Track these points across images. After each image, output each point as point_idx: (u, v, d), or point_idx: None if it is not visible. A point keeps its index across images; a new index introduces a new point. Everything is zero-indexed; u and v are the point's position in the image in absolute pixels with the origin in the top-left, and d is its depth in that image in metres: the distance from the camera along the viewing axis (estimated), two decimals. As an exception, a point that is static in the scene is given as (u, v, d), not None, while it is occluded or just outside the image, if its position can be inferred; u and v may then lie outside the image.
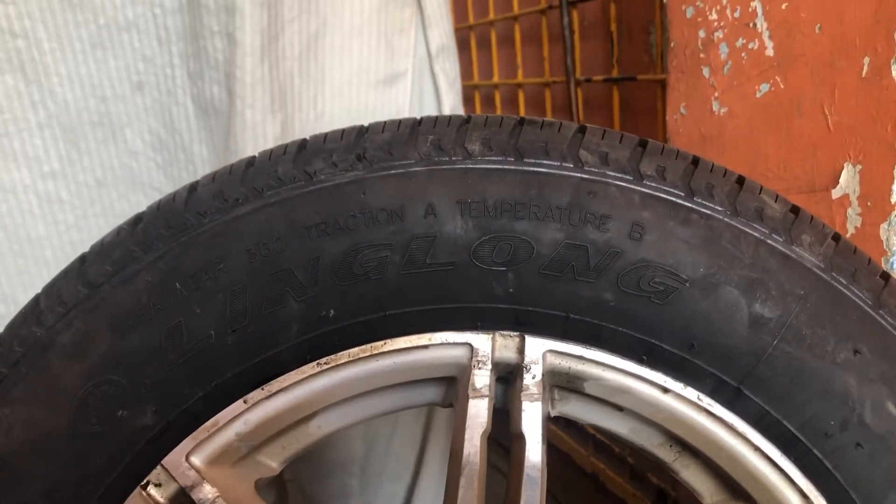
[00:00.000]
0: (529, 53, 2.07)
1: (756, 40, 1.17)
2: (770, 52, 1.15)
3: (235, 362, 0.68)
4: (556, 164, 0.68)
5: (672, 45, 1.36)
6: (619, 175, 0.68)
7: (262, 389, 0.68)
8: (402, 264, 0.67)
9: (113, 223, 1.18)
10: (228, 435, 0.68)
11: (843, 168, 0.98)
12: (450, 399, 0.73)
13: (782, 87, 1.09)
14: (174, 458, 0.68)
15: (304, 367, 0.68)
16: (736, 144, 1.16)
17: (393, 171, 0.69)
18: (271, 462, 0.74)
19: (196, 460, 0.68)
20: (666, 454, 0.74)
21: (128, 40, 1.13)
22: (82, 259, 0.72)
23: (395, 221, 0.67)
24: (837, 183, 0.99)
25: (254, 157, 0.73)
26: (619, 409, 0.73)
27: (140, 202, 1.23)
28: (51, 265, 1.19)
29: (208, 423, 0.68)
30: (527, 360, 0.68)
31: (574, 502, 2.07)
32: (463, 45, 2.21)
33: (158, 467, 0.68)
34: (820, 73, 1.05)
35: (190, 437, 0.68)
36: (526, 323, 0.68)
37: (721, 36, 1.24)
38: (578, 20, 1.81)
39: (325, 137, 0.72)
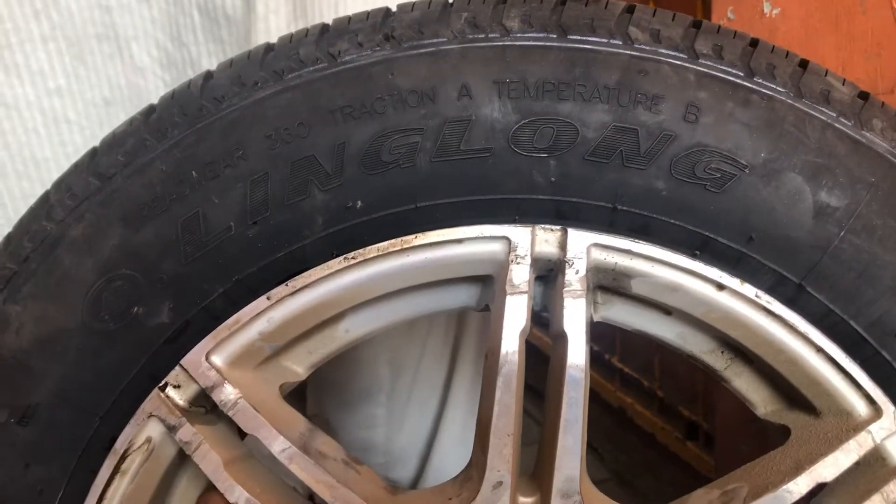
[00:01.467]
0: None
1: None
2: None
3: (257, 257, 0.63)
4: (603, 40, 0.62)
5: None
6: (673, 53, 0.62)
7: (286, 285, 0.63)
8: (434, 151, 0.62)
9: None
10: (251, 334, 0.64)
11: (908, 67, 0.91)
12: (485, 300, 0.68)
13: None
14: (193, 357, 0.64)
15: (331, 262, 0.63)
16: (790, 48, 1.08)
17: (423, 50, 0.63)
18: (297, 367, 0.70)
19: (217, 360, 0.64)
20: (717, 361, 0.69)
21: None
22: (93, 152, 0.67)
23: (426, 104, 0.62)
24: (902, 83, 0.92)
25: (271, 42, 0.67)
26: (668, 312, 0.68)
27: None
28: None
29: (229, 321, 0.64)
30: (569, 254, 0.62)
31: (599, 438, 2.04)
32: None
33: (177, 367, 0.64)
34: (885, -35, 0.97)
35: (210, 335, 0.64)
36: (569, 215, 0.63)
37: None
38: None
39: (349, 19, 0.67)
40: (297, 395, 1.38)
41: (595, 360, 2.12)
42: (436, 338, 1.26)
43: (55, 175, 1.11)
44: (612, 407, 2.06)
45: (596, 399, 2.11)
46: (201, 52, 1.08)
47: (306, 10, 1.11)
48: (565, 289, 0.62)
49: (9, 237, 0.67)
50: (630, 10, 0.64)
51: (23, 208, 1.11)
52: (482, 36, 0.63)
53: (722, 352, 0.69)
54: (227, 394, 0.63)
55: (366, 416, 1.30)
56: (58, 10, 1.05)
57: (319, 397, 1.34)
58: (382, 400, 1.28)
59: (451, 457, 1.35)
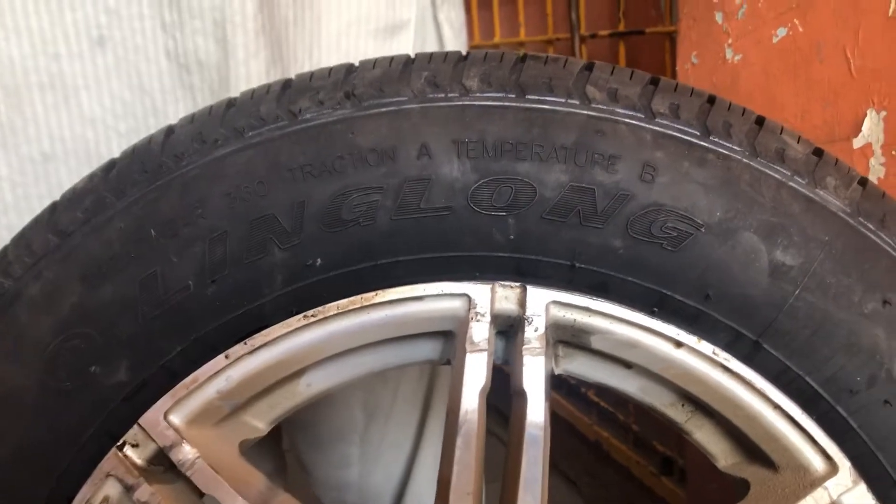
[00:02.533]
0: (532, 11, 2.01)
1: (773, -19, 1.11)
2: None
3: (216, 315, 0.63)
4: (561, 100, 0.63)
5: (683, -9, 1.30)
6: (630, 112, 0.63)
7: (245, 344, 0.63)
8: (394, 209, 0.62)
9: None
10: (209, 392, 0.64)
11: (865, 115, 0.92)
12: (447, 355, 0.68)
13: (801, 30, 1.03)
14: (152, 416, 0.63)
15: (290, 320, 0.63)
16: (750, 93, 1.10)
17: (384, 109, 0.63)
18: (258, 423, 0.70)
19: (175, 419, 0.63)
20: (678, 414, 0.70)
21: None
22: (53, 207, 0.67)
23: (386, 163, 0.62)
24: (860, 131, 0.93)
25: (235, 97, 0.68)
26: (628, 366, 0.68)
27: (96, 179, 1.05)
28: None
29: (187, 380, 0.63)
30: (529, 312, 0.63)
31: (577, 470, 2.04)
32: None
33: (135, 427, 0.64)
34: (843, 14, 0.99)
35: (168, 394, 0.63)
36: (528, 273, 0.63)
37: (736, -21, 1.18)
38: (586, -25, 1.75)
39: (311, 75, 0.67)
40: (273, 432, 1.37)
41: (572, 393, 2.13)
42: (409, 382, 1.26)
43: None
44: (589, 440, 2.06)
45: (573, 432, 2.11)
46: (167, 100, 1.04)
47: (282, 55, 1.10)
48: (524, 346, 0.62)
49: (-34, 293, 0.67)
50: (589, 67, 0.65)
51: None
52: (442, 95, 0.64)
53: (682, 405, 0.69)
54: (185, 453, 0.63)
55: (339, 456, 1.29)
56: None
57: (293, 436, 1.33)
58: (356, 440, 1.28)
59: (426, 497, 1.34)
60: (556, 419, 2.08)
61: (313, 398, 0.71)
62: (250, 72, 1.02)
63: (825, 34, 1.03)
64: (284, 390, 0.69)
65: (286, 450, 1.41)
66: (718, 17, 1.24)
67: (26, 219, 1.01)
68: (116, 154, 1.04)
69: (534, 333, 0.62)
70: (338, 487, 1.30)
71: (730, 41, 1.21)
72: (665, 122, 0.63)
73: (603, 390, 2.03)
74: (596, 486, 2.03)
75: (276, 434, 1.38)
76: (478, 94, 0.63)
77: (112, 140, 1.04)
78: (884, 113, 0.90)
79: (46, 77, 1.00)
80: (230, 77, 1.03)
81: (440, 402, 1.34)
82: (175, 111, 1.04)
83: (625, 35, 1.60)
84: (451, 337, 0.67)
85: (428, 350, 0.70)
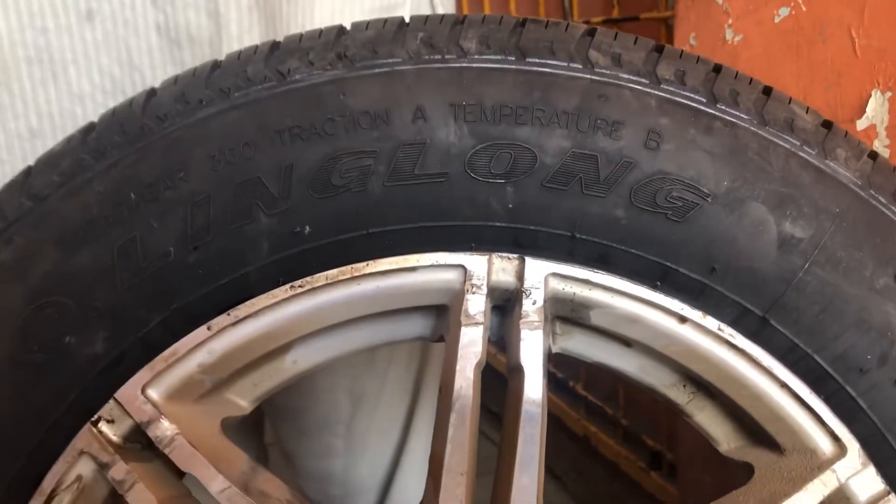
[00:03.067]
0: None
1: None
2: None
3: (198, 284, 0.60)
4: (563, 64, 0.60)
5: (682, -30, 1.28)
6: (634, 78, 0.60)
7: (228, 315, 0.60)
8: (387, 175, 0.59)
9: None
10: (190, 366, 0.60)
11: (870, 96, 0.90)
12: (440, 331, 0.66)
13: (804, 9, 1.01)
14: (128, 391, 0.60)
15: (276, 291, 0.60)
16: (751, 75, 1.08)
17: (377, 70, 0.61)
18: (240, 400, 0.67)
19: (153, 393, 0.60)
20: (678, 395, 0.67)
21: None
22: (27, 171, 0.64)
23: (379, 126, 0.59)
24: (864, 113, 0.91)
25: (218, 59, 0.65)
26: (628, 344, 0.66)
27: (84, 156, 1.03)
28: None
29: (167, 353, 0.60)
30: (527, 284, 0.60)
31: (563, 466, 2.01)
32: (454, -10, 2.12)
33: (111, 401, 0.60)
34: (847, -9, 0.97)
35: (146, 367, 0.60)
36: (526, 244, 0.61)
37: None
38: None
39: (300, 37, 0.64)
40: (255, 424, 1.33)
41: (560, 387, 2.10)
42: (398, 368, 1.23)
43: None
44: (577, 435, 2.03)
45: (561, 427, 2.08)
46: (157, 76, 1.01)
47: (276, 31, 1.07)
48: (522, 320, 0.59)
49: (-67, 260, 0.63)
50: (591, 33, 0.63)
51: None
52: (438, 57, 0.61)
53: (684, 385, 0.67)
54: (164, 430, 0.60)
55: (324, 446, 1.26)
56: None
57: (277, 425, 1.30)
58: (341, 430, 1.24)
59: (412, 489, 1.31)
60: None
61: (299, 375, 0.68)
62: (243, 47, 0.99)
63: (829, 13, 1.01)
64: (269, 367, 0.66)
65: (269, 444, 1.38)
66: None
67: None
68: None
69: (532, 307, 0.59)
70: (321, 478, 1.27)
71: (730, 21, 1.18)
72: (671, 88, 0.60)
73: (591, 384, 2.02)
74: (583, 481, 2.00)
75: (258, 426, 1.34)
76: (476, 57, 0.61)
77: None
78: (889, 94, 0.88)
79: (34, 51, 0.98)
80: (222, 52, 1.00)
81: (430, 388, 1.31)
82: None
83: (619, 21, 1.57)
84: (444, 311, 0.64)
85: (419, 326, 0.67)
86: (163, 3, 1.00)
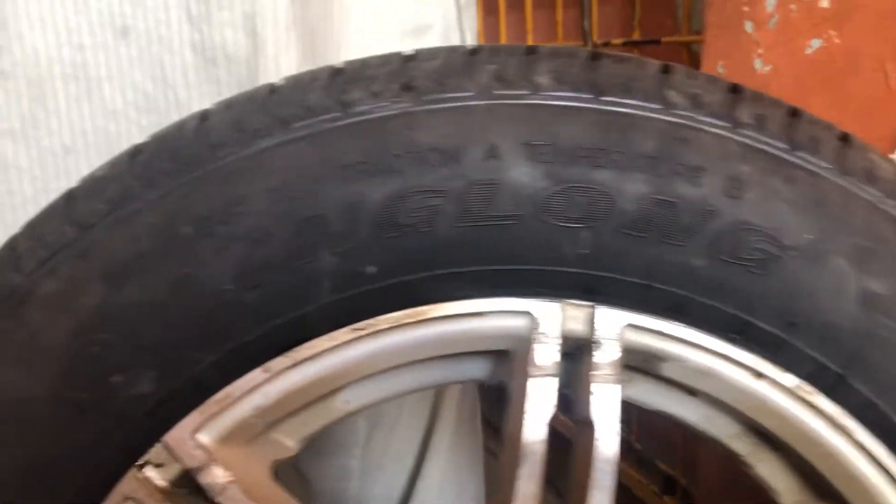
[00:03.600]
0: (540, 17, 1.95)
1: (808, -8, 1.07)
2: (825, 3, 1.05)
3: (254, 324, 0.57)
4: (640, 103, 0.58)
5: (711, -3, 1.26)
6: (713, 121, 0.58)
7: (286, 357, 0.57)
8: (455, 215, 0.56)
9: (80, 199, 0.99)
10: (244, 409, 0.57)
11: (903, 130, 0.89)
12: (498, 376, 0.63)
13: (837, 42, 0.99)
14: (178, 434, 0.57)
15: (337, 333, 0.57)
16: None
17: (446, 105, 0.58)
18: (288, 440, 0.63)
19: (204, 438, 0.57)
20: (740, 446, 0.65)
21: None
22: (69, 195, 0.60)
23: (449, 164, 0.56)
24: (896, 147, 0.90)
25: (274, 84, 0.62)
26: (692, 393, 0.63)
27: (117, 174, 1.00)
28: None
29: (220, 395, 0.57)
30: (598, 334, 0.57)
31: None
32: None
33: (159, 445, 0.57)
34: (883, 26, 0.95)
35: (197, 410, 0.57)
36: (597, 291, 0.58)
37: (769, -13, 1.15)
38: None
39: (362, 63, 0.61)
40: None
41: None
42: (416, 394, 1.20)
43: (0, 228, 1.00)
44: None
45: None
46: (192, 95, 0.99)
47: (315, 51, 1.05)
48: (593, 372, 0.57)
49: (-32, 288, 0.60)
50: (666, 70, 0.60)
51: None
52: (510, 92, 0.58)
53: (746, 436, 0.64)
54: (216, 476, 0.57)
55: (339, 468, 1.23)
56: (22, 46, 0.95)
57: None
58: (357, 452, 1.21)
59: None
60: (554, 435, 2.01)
61: (349, 415, 0.65)
62: (280, 67, 0.98)
63: (863, 46, 0.99)
64: (320, 406, 0.63)
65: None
66: (748, 26, 1.19)
67: None
68: None
69: (605, 358, 0.57)
70: (336, 500, 1.24)
71: (760, 51, 1.16)
72: (750, 133, 0.58)
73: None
74: None
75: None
76: (550, 93, 0.58)
77: (134, 134, 0.99)
78: (928, 129, 0.86)
79: (70, 68, 0.96)
80: (259, 72, 0.98)
81: (447, 414, 1.29)
82: (200, 106, 0.99)
83: (640, 44, 1.55)
84: (503, 356, 0.62)
85: (475, 369, 0.64)
86: (199, 20, 0.97)
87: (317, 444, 1.17)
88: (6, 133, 0.96)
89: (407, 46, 1.12)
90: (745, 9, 1.20)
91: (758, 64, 1.16)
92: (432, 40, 1.17)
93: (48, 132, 0.97)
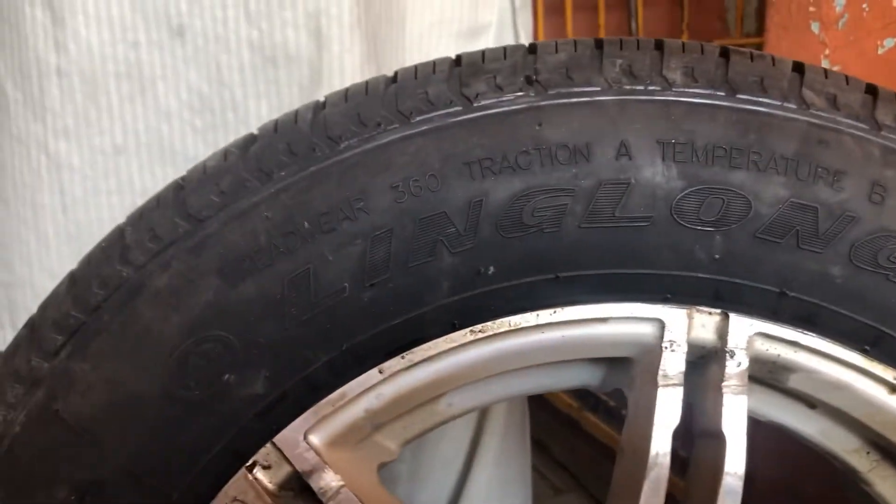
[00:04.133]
0: (581, 20, 1.91)
1: (882, -11, 1.04)
2: None
3: (370, 323, 0.55)
4: (777, 103, 0.55)
5: (774, -1, 1.23)
6: (853, 123, 0.55)
7: (403, 358, 0.55)
8: (583, 216, 0.54)
9: (129, 202, 0.96)
10: (357, 411, 0.56)
11: None
12: (614, 383, 0.61)
13: None
14: (290, 435, 0.55)
15: (455, 335, 0.55)
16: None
17: (575, 100, 0.55)
18: (391, 444, 0.62)
19: (316, 440, 0.55)
20: (860, 462, 0.62)
21: None
22: (178, 186, 0.58)
23: (578, 162, 0.54)
24: None
25: (391, 75, 0.59)
26: (812, 406, 0.61)
27: (168, 176, 0.92)
28: (50, 245, 0.98)
29: (334, 396, 0.55)
30: (730, 343, 0.55)
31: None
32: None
33: (269, 445, 0.56)
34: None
35: (310, 411, 0.55)
36: (728, 298, 0.56)
37: (839, -14, 1.12)
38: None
39: (482, 55, 0.59)
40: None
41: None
42: None
43: (49, 228, 0.97)
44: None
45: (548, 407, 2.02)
46: (248, 95, 0.97)
47: (377, 49, 1.03)
48: (724, 383, 0.54)
49: (73, 278, 0.58)
50: (799, 68, 0.57)
51: (16, 254, 0.98)
52: (641, 87, 0.55)
53: (868, 452, 0.62)
54: (328, 480, 0.55)
55: (388, 472, 1.21)
56: (76, 42, 0.94)
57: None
58: (407, 456, 1.20)
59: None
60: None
61: (451, 418, 0.63)
62: (344, 67, 0.96)
63: None
64: (425, 410, 0.61)
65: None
66: (815, 26, 1.16)
67: (93, 217, 0.97)
68: (191, 150, 0.98)
69: (735, 368, 0.54)
70: None
71: (827, 52, 1.13)
72: (892, 135, 0.55)
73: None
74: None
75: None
76: (683, 90, 0.55)
77: (187, 135, 0.97)
78: None
79: (124, 66, 0.95)
80: (322, 72, 0.96)
81: (496, 420, 1.27)
82: (256, 107, 0.97)
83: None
84: (624, 364, 0.59)
85: (587, 375, 0.62)
86: (257, 19, 0.95)
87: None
88: (60, 131, 0.95)
89: (462, 47, 1.12)
90: (812, 9, 1.17)
91: (825, 65, 1.13)
92: (486, 41, 1.15)
93: (100, 131, 0.96)
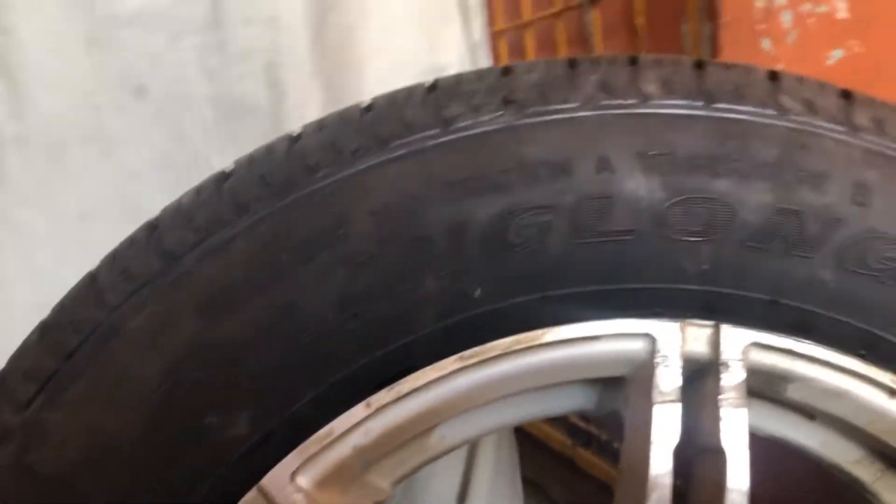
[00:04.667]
0: (543, 58, 1.94)
1: (825, 4, 1.06)
2: (843, 13, 1.04)
3: (356, 355, 0.53)
4: (755, 110, 0.55)
5: (725, 19, 1.25)
6: (831, 126, 0.55)
7: (390, 390, 0.53)
8: (567, 232, 0.53)
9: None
10: (345, 449, 0.54)
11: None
12: (609, 405, 0.59)
13: (859, 51, 0.98)
14: (276, 478, 0.53)
15: (444, 363, 0.54)
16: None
17: (552, 117, 0.55)
18: (382, 482, 0.59)
19: (304, 481, 0.53)
20: (864, 472, 0.61)
21: (130, 36, 0.95)
22: (153, 226, 0.57)
23: (559, 178, 0.53)
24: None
25: (364, 102, 0.59)
26: (811, 416, 0.59)
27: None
28: (17, 317, 0.96)
29: (321, 433, 0.53)
30: (724, 355, 0.54)
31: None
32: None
33: (255, 490, 0.53)
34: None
35: (296, 451, 0.53)
36: (718, 309, 0.55)
37: (784, 3, 1.15)
38: (601, 19, 1.70)
39: (457, 79, 0.58)
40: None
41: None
42: None
43: (19, 299, 0.94)
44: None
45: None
46: (212, 149, 0.96)
47: (335, 97, 1.03)
48: (721, 396, 0.53)
49: (45, 326, 0.56)
50: (773, 76, 0.57)
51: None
52: (618, 102, 0.55)
53: (871, 462, 0.60)
54: (318, 523, 0.52)
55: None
56: (36, 109, 0.92)
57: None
58: (397, 494, 1.17)
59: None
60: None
61: (445, 452, 0.61)
62: (304, 116, 0.95)
63: (886, 53, 0.98)
64: (416, 444, 0.59)
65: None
66: (766, 43, 1.18)
67: (62, 281, 0.95)
68: (158, 206, 0.98)
69: (731, 381, 0.53)
70: None
71: (780, 66, 1.15)
72: (871, 137, 0.55)
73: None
74: None
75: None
76: (660, 101, 0.55)
77: (154, 193, 0.96)
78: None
79: (86, 130, 0.94)
80: (283, 122, 0.96)
81: (486, 453, 1.25)
82: (220, 161, 0.96)
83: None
84: (614, 383, 0.58)
85: (582, 398, 0.60)
86: (217, 74, 0.96)
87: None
88: (22, 201, 0.93)
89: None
90: (762, 26, 1.19)
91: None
92: None
93: (64, 196, 0.94)
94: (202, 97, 0.97)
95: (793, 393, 0.56)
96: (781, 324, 0.55)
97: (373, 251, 0.53)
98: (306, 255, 0.53)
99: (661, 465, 0.52)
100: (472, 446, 1.23)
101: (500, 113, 0.55)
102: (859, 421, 0.56)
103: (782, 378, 0.55)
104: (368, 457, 0.55)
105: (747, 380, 0.55)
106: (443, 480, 1.21)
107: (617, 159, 0.53)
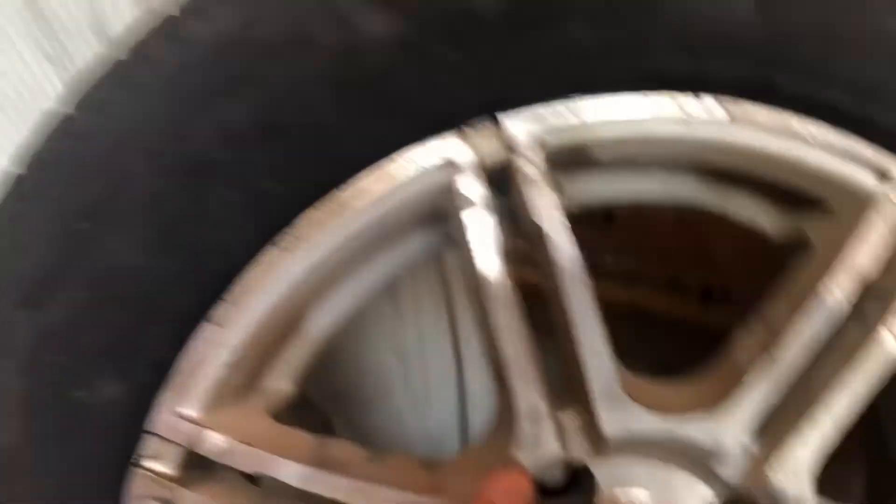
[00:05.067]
0: None
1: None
2: None
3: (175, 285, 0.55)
4: None
5: None
6: None
7: (225, 301, 0.55)
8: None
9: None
10: (216, 369, 0.56)
11: None
12: (446, 240, 0.61)
13: None
14: (162, 418, 0.56)
15: (261, 256, 0.55)
16: None
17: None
18: (280, 384, 0.62)
19: (190, 411, 0.56)
20: (706, 195, 0.63)
21: None
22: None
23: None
24: None
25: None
26: (633, 164, 0.61)
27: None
28: None
29: (184, 365, 0.55)
30: (513, 143, 0.54)
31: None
32: None
33: (146, 436, 0.56)
34: None
35: (168, 388, 0.56)
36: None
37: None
38: None
39: None
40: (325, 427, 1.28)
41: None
42: (428, 313, 1.18)
43: None
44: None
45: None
46: None
47: None
48: (523, 183, 0.54)
49: None
50: None
51: None
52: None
53: (709, 184, 0.62)
54: (214, 442, 0.55)
55: (392, 414, 1.23)
56: None
57: (344, 416, 1.26)
58: (400, 389, 1.21)
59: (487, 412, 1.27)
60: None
61: (326, 340, 0.63)
62: None
63: None
64: (293, 342, 0.62)
65: (333, 415, 1.34)
66: None
67: None
68: None
69: (526, 165, 0.54)
70: (401, 444, 1.24)
71: None
72: None
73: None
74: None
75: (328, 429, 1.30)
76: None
77: None
78: None
79: None
80: None
81: (468, 330, 1.27)
82: None
83: None
84: (442, 219, 0.59)
85: (418, 244, 0.62)
86: None
87: (362, 402, 1.17)
88: None
89: None
90: None
91: None
92: None
93: None
94: None
95: (600, 153, 0.57)
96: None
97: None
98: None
99: (487, 264, 0.54)
100: (450, 315, 1.23)
101: None
102: (676, 152, 0.57)
103: (580, 146, 0.56)
104: (246, 367, 0.57)
105: (553, 158, 0.56)
106: (437, 348, 1.22)
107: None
